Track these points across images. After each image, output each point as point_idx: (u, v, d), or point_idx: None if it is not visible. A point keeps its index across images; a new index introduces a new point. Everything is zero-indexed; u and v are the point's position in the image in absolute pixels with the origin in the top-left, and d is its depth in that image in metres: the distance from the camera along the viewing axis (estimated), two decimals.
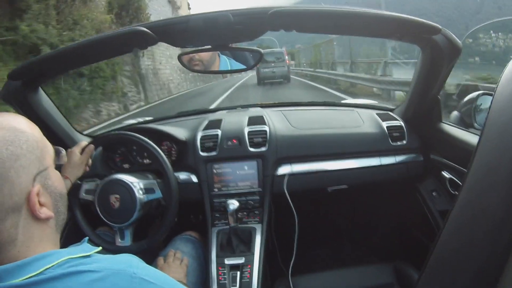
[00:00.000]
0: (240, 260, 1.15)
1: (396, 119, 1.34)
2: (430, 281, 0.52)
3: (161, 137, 1.30)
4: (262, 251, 1.17)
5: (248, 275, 1.12)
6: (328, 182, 1.30)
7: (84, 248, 0.55)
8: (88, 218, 1.15)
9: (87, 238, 0.61)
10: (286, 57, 15.80)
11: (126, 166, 1.32)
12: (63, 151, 1.03)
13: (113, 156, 1.33)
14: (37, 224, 0.53)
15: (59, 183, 0.59)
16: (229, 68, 0.99)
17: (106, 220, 1.10)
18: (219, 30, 0.88)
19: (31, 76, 1.04)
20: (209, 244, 1.20)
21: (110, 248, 1.09)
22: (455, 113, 1.23)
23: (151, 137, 1.17)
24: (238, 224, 1.18)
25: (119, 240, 1.12)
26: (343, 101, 1.94)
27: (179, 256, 1.13)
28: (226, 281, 1.11)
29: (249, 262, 1.14)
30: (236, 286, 1.10)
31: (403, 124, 1.31)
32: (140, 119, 1.78)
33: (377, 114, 1.40)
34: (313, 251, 1.40)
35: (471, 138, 1.08)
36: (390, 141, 1.28)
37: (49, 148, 0.58)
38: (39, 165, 0.54)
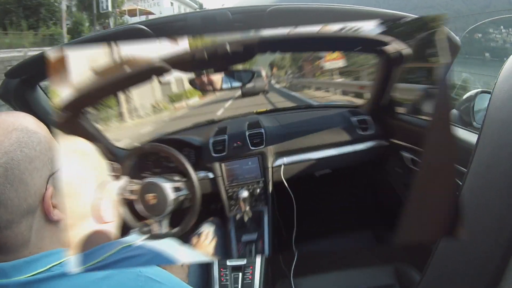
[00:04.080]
0: (242, 262, 1.20)
1: (363, 114, 1.55)
2: (431, 283, 0.52)
3: (182, 145, 1.54)
4: (271, 230, 1.35)
5: (250, 276, 1.16)
6: (315, 168, 1.55)
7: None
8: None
9: None
10: (263, 73, 17.19)
11: (157, 170, 1.50)
12: (117, 164, 1.12)
13: (146, 162, 1.53)
14: (48, 226, 0.54)
15: None
16: (230, 86, 1.22)
17: (146, 214, 1.25)
18: (217, 28, 0.88)
19: (29, 74, 1.04)
20: (227, 227, 1.40)
21: (153, 237, 1.20)
22: (453, 112, 1.23)
23: (175, 146, 1.37)
24: (249, 208, 1.39)
25: (158, 229, 1.26)
26: (321, 104, 2.49)
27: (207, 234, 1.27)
28: (228, 283, 1.15)
29: (251, 263, 1.19)
30: (238, 287, 1.14)
31: (369, 118, 1.53)
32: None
33: (348, 111, 1.63)
34: (312, 246, 1.61)
35: (469, 136, 1.08)
36: (361, 131, 1.51)
37: (58, 148, 0.58)
38: (51, 167, 0.54)
